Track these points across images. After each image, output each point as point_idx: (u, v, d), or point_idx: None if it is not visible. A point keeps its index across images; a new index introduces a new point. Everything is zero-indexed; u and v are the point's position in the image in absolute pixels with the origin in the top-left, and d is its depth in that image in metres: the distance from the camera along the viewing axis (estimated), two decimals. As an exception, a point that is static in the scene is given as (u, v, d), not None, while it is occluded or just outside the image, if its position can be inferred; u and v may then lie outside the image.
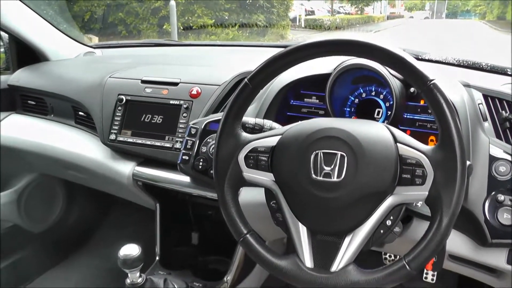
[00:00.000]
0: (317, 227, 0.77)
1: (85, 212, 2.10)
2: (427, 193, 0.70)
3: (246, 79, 0.79)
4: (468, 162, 0.73)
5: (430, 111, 0.98)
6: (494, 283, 0.99)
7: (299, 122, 0.82)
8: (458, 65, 1.19)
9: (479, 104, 0.95)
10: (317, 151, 0.74)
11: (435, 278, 1.59)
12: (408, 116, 1.02)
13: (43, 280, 1.87)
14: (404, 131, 1.00)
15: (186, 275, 1.23)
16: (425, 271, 1.61)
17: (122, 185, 1.28)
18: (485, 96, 0.97)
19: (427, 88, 0.69)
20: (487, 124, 0.93)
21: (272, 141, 0.80)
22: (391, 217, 0.74)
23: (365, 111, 1.05)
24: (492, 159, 0.89)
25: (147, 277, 1.03)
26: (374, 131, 0.75)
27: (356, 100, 1.06)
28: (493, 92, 0.97)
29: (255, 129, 0.91)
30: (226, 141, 0.82)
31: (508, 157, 0.88)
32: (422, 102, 1.01)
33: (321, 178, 0.73)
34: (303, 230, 0.77)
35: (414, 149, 0.72)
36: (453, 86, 0.97)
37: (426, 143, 0.94)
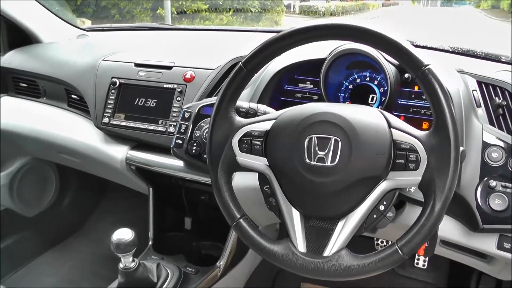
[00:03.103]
0: (310, 212, 0.77)
1: (79, 196, 2.10)
2: (420, 178, 0.70)
3: (240, 63, 0.78)
4: (461, 148, 0.73)
5: (424, 97, 0.98)
6: (485, 269, 1.01)
7: (294, 106, 0.81)
8: (453, 52, 1.19)
9: (473, 90, 0.95)
10: (311, 136, 0.73)
11: (426, 264, 1.62)
12: (402, 102, 1.02)
13: (37, 264, 1.87)
14: (398, 117, 1.00)
15: (179, 259, 1.23)
16: (416, 257, 1.63)
17: (115, 169, 1.28)
18: (479, 83, 0.97)
19: (422, 73, 0.69)
20: (481, 111, 0.94)
21: (266, 125, 0.79)
22: (384, 202, 0.74)
23: (359, 96, 1.05)
24: (485, 145, 0.89)
25: (140, 262, 1.04)
26: (368, 116, 0.75)
27: (351, 86, 1.06)
28: (487, 79, 0.97)
29: (249, 114, 0.91)
30: (220, 125, 0.81)
31: (501, 143, 0.88)
32: (416, 88, 1.01)
33: (314, 163, 0.73)
34: (296, 215, 0.77)
35: (408, 134, 0.72)
36: (448, 73, 0.97)
37: (420, 129, 0.97)
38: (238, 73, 0.79)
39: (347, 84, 1.07)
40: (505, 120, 0.92)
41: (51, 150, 1.51)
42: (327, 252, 0.74)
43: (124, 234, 0.97)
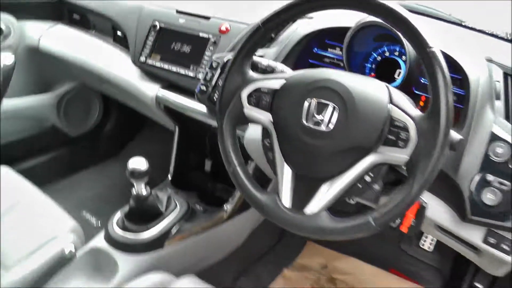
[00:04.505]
0: (300, 170, 0.81)
1: (119, 125, 2.24)
2: (407, 157, 0.72)
3: (259, 22, 0.82)
4: (459, 137, 0.74)
5: None
6: (476, 260, 1.03)
7: (306, 69, 0.85)
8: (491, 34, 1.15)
9: (496, 81, 0.93)
10: (311, 99, 0.77)
11: (432, 247, 1.65)
12: (424, 81, 1.02)
13: (75, 180, 2.06)
14: (419, 96, 1.03)
15: (191, 196, 1.34)
16: (422, 238, 1.67)
17: (147, 104, 1.38)
18: (506, 75, 0.95)
19: (425, 54, 0.70)
20: (499, 103, 0.92)
21: (276, 84, 0.83)
22: (371, 174, 0.77)
23: (386, 70, 1.06)
24: (492, 139, 0.88)
25: (151, 191, 1.14)
26: (371, 88, 0.77)
27: (379, 58, 1.07)
28: None
29: (267, 71, 0.95)
30: (233, 77, 0.86)
31: (509, 139, 0.87)
32: None
33: (310, 125, 0.77)
34: (287, 171, 0.82)
35: (405, 113, 0.73)
36: (473, 58, 0.96)
37: None
38: (256, 31, 0.83)
39: (376, 55, 1.07)
40: None
41: (95, 79, 1.62)
42: (309, 210, 0.79)
43: (138, 163, 1.06)
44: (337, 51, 1.13)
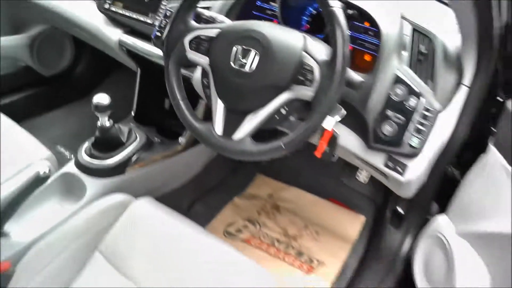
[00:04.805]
0: (230, 105, 0.97)
1: (90, 67, 2.32)
2: (312, 93, 0.88)
3: None
4: (360, 79, 0.92)
5: (370, 33, 1.11)
6: (387, 184, 1.20)
7: (238, 21, 0.99)
8: None
9: (405, 35, 1.06)
10: (238, 46, 0.92)
11: (367, 179, 1.84)
12: (351, 34, 1.14)
13: (48, 118, 2.16)
14: None
15: (151, 131, 1.48)
16: (358, 171, 1.86)
17: (111, 48, 1.49)
18: (414, 30, 1.07)
19: (327, 12, 0.84)
20: (405, 53, 1.04)
21: (213, 32, 0.97)
22: (286, 108, 0.93)
23: (320, 23, 1.17)
24: (395, 81, 1.01)
25: (114, 124, 1.29)
26: (288, 38, 0.91)
27: (314, 12, 1.17)
28: (421, 28, 1.07)
29: (209, 21, 1.07)
30: (177, 26, 1.00)
31: (408, 82, 1.00)
32: (366, 24, 1.11)
33: (237, 67, 0.92)
34: (220, 105, 0.97)
35: (313, 59, 0.88)
36: (390, 16, 1.08)
37: (362, 59, 1.13)
38: None
39: (312, 9, 1.18)
40: (421, 67, 1.04)
41: (64, 22, 1.69)
42: (236, 137, 0.94)
43: (102, 98, 1.20)
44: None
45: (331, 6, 0.85)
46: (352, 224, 1.69)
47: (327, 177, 1.86)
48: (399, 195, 1.28)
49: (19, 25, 1.97)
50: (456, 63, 1.06)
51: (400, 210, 1.52)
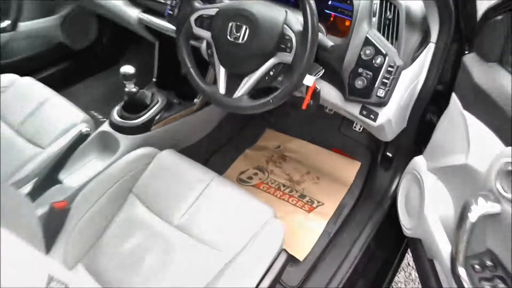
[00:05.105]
0: (230, 69, 1.17)
1: (114, 40, 2.53)
2: (291, 58, 1.07)
3: None
4: (330, 44, 1.10)
5: (348, 2, 1.23)
6: (369, 129, 1.37)
7: (233, 1, 1.17)
8: None
9: (374, 3, 1.19)
10: (232, 22, 1.11)
11: (361, 128, 1.99)
12: (332, 3, 1.29)
13: (80, 87, 2.41)
14: (329, 14, 1.30)
15: (170, 94, 1.67)
16: (354, 123, 2.01)
17: (132, 24, 1.69)
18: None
19: None
20: (374, 19, 1.17)
21: (212, 11, 1.16)
22: (273, 70, 1.13)
23: None
24: (364, 43, 1.15)
25: (139, 89, 1.50)
26: (273, 14, 1.09)
27: None
28: None
29: (210, 1, 1.26)
30: (185, 8, 1.20)
31: (376, 44, 1.14)
32: None
33: (232, 40, 1.11)
34: (222, 70, 1.17)
35: (291, 30, 1.06)
36: None
37: (344, 24, 1.26)
38: None
39: None
40: (388, 30, 1.16)
41: (90, 3, 1.87)
42: (235, 95, 1.15)
43: (127, 68, 1.40)
44: None
45: None
46: (349, 169, 1.86)
47: (329, 129, 2.01)
48: (387, 141, 1.42)
49: (50, 8, 2.18)
50: (420, 25, 1.18)
51: (389, 154, 1.68)
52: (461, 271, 0.89)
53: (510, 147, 0.83)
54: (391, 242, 1.60)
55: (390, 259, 1.64)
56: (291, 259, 1.44)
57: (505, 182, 0.83)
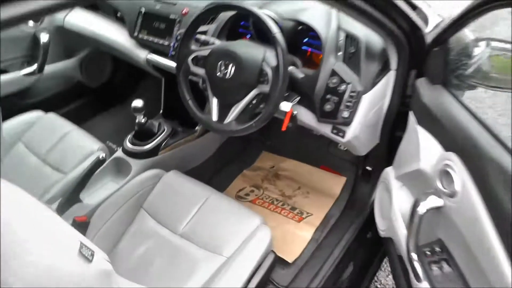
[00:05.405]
0: (221, 100, 1.35)
1: (126, 79, 2.73)
2: (268, 89, 1.25)
3: (198, 13, 1.35)
4: (301, 75, 1.28)
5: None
6: (345, 146, 1.55)
7: (222, 43, 1.38)
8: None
9: (340, 40, 1.33)
10: (221, 61, 1.30)
11: (346, 147, 2.05)
12: (308, 40, 1.47)
13: (96, 120, 2.60)
14: (306, 50, 1.49)
15: (175, 123, 1.86)
16: (338, 144, 2.11)
17: (141, 64, 1.91)
18: (347, 36, 1.33)
19: (272, 37, 1.22)
20: (340, 53, 1.31)
21: (206, 52, 1.36)
22: (255, 99, 1.30)
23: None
24: (331, 74, 1.29)
25: (148, 120, 1.71)
26: (254, 53, 1.26)
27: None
28: (352, 34, 1.32)
29: (204, 43, 1.45)
30: (183, 50, 1.41)
31: (342, 74, 1.27)
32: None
33: (221, 76, 1.31)
34: (214, 100, 1.36)
35: (268, 66, 1.25)
36: (330, 27, 1.34)
37: (318, 58, 1.41)
38: (197, 19, 1.37)
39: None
40: (350, 62, 1.30)
41: (105, 46, 2.06)
42: (226, 121, 1.34)
43: (137, 102, 1.59)
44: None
45: (274, 33, 1.24)
46: (336, 184, 2.00)
47: (318, 149, 2.15)
48: (367, 157, 1.59)
49: (71, 51, 2.41)
50: (379, 56, 1.30)
51: (368, 168, 1.82)
52: (413, 256, 1.05)
53: (448, 152, 0.99)
54: (370, 244, 1.76)
55: (370, 259, 1.80)
56: (282, 262, 1.63)
57: (444, 180, 0.99)
